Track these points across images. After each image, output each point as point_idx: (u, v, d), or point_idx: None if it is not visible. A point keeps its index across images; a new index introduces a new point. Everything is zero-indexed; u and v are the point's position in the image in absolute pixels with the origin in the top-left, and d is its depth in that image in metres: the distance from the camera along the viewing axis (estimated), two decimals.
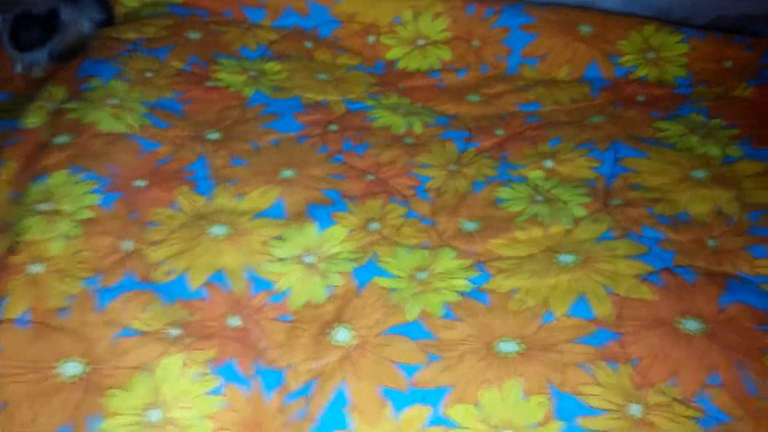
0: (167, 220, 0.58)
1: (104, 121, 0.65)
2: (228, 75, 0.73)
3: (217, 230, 0.57)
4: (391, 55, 0.78)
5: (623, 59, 0.74)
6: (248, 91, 0.71)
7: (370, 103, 0.72)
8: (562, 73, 0.74)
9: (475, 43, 0.77)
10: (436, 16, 0.77)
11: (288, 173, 0.62)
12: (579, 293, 0.51)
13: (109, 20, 0.83)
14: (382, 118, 0.69)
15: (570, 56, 0.74)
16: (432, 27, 0.78)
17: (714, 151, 0.63)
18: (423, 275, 0.54)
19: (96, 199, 0.58)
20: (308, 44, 0.78)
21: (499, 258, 0.55)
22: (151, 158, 0.63)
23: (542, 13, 0.76)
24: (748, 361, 0.47)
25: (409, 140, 0.67)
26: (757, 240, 0.55)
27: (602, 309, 0.50)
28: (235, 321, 0.52)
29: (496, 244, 0.56)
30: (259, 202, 0.60)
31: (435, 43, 0.77)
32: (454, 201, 0.61)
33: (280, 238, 0.57)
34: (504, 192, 0.61)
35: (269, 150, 0.65)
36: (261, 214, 0.59)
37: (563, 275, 0.53)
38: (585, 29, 0.75)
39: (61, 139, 0.64)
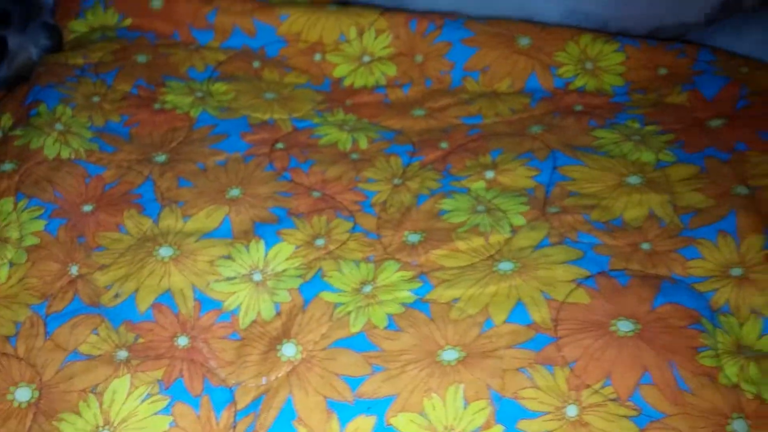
0: (114, 244, 0.59)
1: (50, 146, 0.65)
2: (175, 97, 0.74)
3: (164, 252, 0.58)
4: (337, 72, 0.79)
5: (561, 70, 0.76)
6: (195, 113, 0.72)
7: (316, 120, 0.73)
8: (504, 85, 0.76)
9: (419, 58, 0.78)
10: (380, 32, 0.79)
11: (234, 192, 0.63)
12: (517, 300, 0.53)
13: (57, 46, 0.84)
14: (329, 135, 0.70)
15: (510, 68, 0.76)
16: (376, 43, 0.79)
17: (647, 156, 0.65)
18: (368, 288, 0.56)
19: (42, 224, 0.59)
20: (256, 64, 0.79)
21: (441, 268, 0.57)
22: (97, 183, 0.64)
23: (482, 26, 0.78)
24: (680, 360, 0.49)
25: (355, 156, 0.68)
26: (688, 242, 0.57)
27: (540, 314, 0.52)
28: (183, 341, 0.53)
29: (438, 255, 0.58)
30: (205, 222, 0.61)
31: (380, 59, 0.79)
32: (399, 214, 0.62)
33: (227, 257, 0.58)
34: (447, 203, 0.62)
35: (216, 170, 0.66)
36: (208, 235, 0.60)
37: (503, 283, 0.54)
38: (523, 41, 0.77)
39: (8, 166, 0.64)
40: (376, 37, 0.79)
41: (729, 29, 0.85)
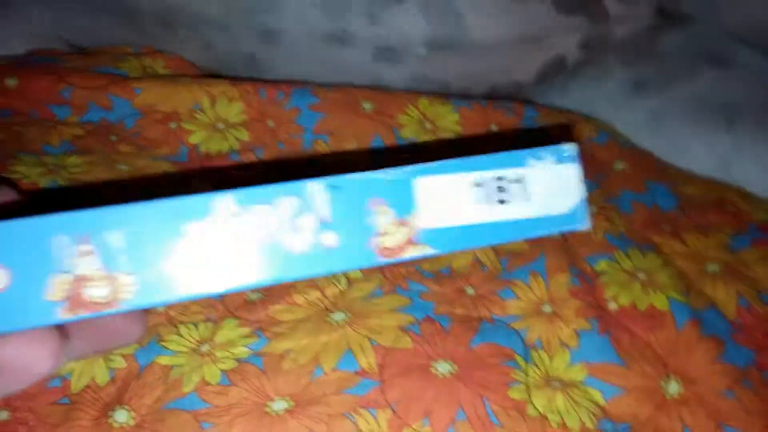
0: None
1: None
2: (26, 168, 0.75)
3: None
4: (193, 139, 0.82)
5: (403, 131, 0.81)
6: (44, 182, 0.73)
7: None
8: (351, 146, 0.81)
9: (271, 123, 0.82)
10: (231, 100, 0.83)
11: None
12: (347, 347, 0.56)
13: None
14: None
15: (355, 131, 0.81)
16: (229, 111, 0.83)
17: None
18: (205, 347, 0.57)
19: None
20: (113, 137, 0.81)
21: (278, 323, 0.59)
22: None
23: (327, 93, 0.82)
24: (492, 395, 0.53)
25: None
26: (505, 283, 0.62)
27: (366, 360, 0.55)
28: (3, 415, 0.53)
29: (276, 310, 0.60)
30: None
31: (233, 125, 0.82)
32: None
33: None
34: None
35: None
36: None
37: (334, 332, 0.57)
38: (367, 106, 0.82)
39: None
40: (228, 105, 0.83)
41: (557, 87, 0.93)
